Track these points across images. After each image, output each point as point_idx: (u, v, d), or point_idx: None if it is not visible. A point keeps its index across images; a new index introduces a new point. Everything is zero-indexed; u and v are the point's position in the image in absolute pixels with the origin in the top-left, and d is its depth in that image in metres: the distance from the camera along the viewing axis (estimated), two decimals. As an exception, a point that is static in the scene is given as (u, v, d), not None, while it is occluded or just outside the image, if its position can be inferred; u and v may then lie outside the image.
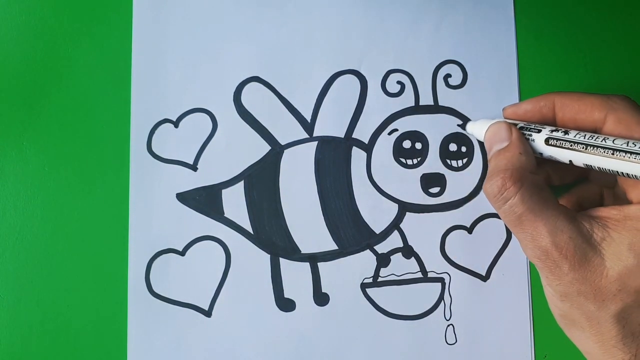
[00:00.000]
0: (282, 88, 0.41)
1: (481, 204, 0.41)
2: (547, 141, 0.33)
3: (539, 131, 0.34)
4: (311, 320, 0.40)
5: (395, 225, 0.40)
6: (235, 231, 0.40)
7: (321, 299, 0.40)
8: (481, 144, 0.41)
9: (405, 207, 0.40)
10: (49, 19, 0.42)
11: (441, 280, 0.40)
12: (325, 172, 0.41)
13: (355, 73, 0.42)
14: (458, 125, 0.41)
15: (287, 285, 0.40)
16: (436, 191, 0.41)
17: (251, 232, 0.40)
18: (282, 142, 0.41)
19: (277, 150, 0.41)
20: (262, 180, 0.41)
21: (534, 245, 0.31)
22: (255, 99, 0.41)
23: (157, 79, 0.41)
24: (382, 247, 0.40)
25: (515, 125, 0.35)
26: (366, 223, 0.40)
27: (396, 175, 0.41)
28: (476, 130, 0.38)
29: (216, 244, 0.40)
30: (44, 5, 0.42)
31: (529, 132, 0.34)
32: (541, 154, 0.34)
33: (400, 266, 0.40)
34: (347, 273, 0.40)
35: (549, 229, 0.31)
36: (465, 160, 0.41)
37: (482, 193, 0.41)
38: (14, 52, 0.41)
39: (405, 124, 0.41)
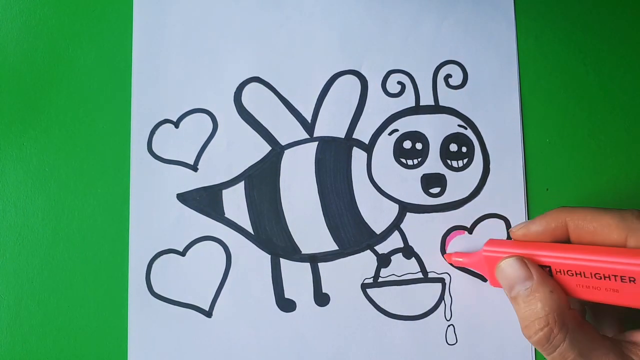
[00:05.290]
0: (283, 88, 0.41)
1: (481, 204, 0.41)
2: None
3: None
4: (312, 321, 0.40)
5: (395, 225, 0.40)
6: (236, 231, 0.40)
7: (322, 299, 0.40)
8: (482, 143, 0.41)
9: (405, 208, 0.40)
10: (49, 19, 0.42)
11: (441, 280, 0.40)
12: (325, 173, 0.41)
13: (356, 73, 0.41)
14: None
15: (288, 286, 0.40)
16: (436, 191, 0.41)
17: (252, 232, 0.40)
18: (283, 142, 0.41)
19: (277, 150, 0.41)
20: (262, 181, 0.41)
21: None
22: (256, 99, 0.41)
23: (158, 79, 0.41)
24: (382, 248, 0.40)
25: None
26: (366, 223, 0.40)
27: (396, 176, 0.41)
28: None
29: (217, 244, 0.40)
30: (44, 5, 0.42)
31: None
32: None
33: (400, 266, 0.40)
34: (347, 273, 0.40)
35: None
36: (465, 160, 0.41)
37: (482, 193, 0.41)
38: (14, 52, 0.41)
39: (405, 124, 0.41)
